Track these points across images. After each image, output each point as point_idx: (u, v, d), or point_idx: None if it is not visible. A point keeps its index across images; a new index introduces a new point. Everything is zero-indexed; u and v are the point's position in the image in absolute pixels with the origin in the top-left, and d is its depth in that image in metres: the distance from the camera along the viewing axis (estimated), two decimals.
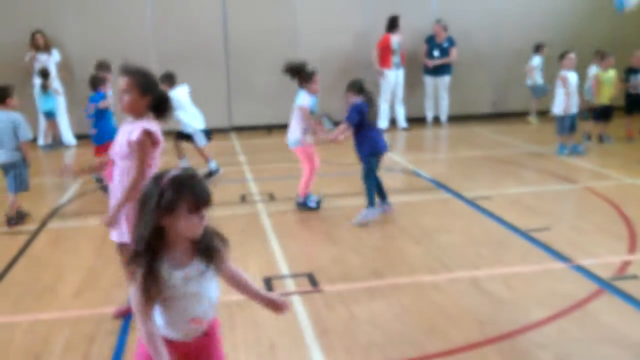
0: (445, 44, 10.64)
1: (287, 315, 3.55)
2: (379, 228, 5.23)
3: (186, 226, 1.88)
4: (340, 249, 4.71)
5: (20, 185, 5.51)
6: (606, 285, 3.87)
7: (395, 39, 10.19)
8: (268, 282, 4.09)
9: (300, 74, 5.69)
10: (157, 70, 10.23)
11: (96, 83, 6.71)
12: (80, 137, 9.99)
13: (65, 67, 10.01)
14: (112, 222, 3.29)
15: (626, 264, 4.22)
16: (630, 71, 8.85)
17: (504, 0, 11.26)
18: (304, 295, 3.88)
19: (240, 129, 10.78)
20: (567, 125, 7.94)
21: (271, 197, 6.33)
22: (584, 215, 5.46)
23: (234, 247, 4.79)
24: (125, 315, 3.55)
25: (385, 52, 10.23)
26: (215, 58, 10.62)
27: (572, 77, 7.90)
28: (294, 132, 5.74)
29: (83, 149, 9.52)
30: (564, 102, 7.87)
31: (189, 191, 1.86)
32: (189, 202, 1.86)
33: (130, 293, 1.92)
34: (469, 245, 4.69)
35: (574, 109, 7.91)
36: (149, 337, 1.88)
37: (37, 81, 9.60)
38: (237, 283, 2.16)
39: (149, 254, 1.85)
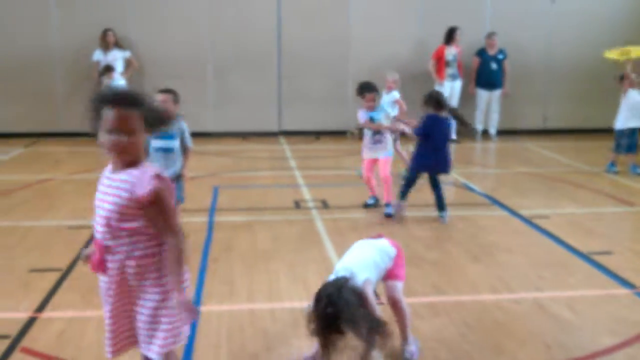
0: (500, 56, 10.57)
1: None
2: (437, 242, 5.23)
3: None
4: None
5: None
6: None
7: (450, 51, 10.16)
8: None
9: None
10: (211, 74, 10.56)
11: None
12: None
13: (130, 66, 10.19)
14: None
15: None
16: None
17: (557, 14, 11.12)
18: None
19: (288, 134, 10.86)
20: (625, 143, 7.91)
21: (324, 205, 6.37)
22: None
23: (292, 254, 4.89)
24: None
25: (439, 63, 10.21)
26: (268, 63, 10.73)
27: (635, 94, 7.92)
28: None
29: None
30: (624, 117, 7.97)
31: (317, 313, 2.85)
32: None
33: None
34: (531, 265, 4.65)
35: (632, 124, 7.95)
36: None
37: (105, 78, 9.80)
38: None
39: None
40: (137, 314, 2.44)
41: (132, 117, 2.30)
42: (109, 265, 2.39)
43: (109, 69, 9.53)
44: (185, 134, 5.01)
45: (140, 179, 2.29)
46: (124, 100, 2.31)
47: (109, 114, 2.29)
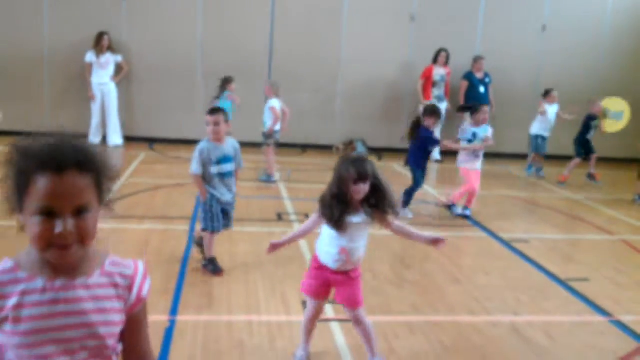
0: (487, 80, 10.69)
1: (328, 344, 3.61)
2: (417, 262, 5.25)
3: (353, 191, 2.97)
4: (379, 281, 4.73)
5: None
6: None
7: (438, 71, 10.26)
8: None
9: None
10: (201, 82, 10.55)
11: None
12: (129, 138, 10.28)
13: (120, 71, 10.18)
14: None
15: None
16: None
17: (546, 42, 11.28)
18: (344, 323, 3.89)
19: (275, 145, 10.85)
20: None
21: (307, 218, 6.35)
22: (621, 269, 5.42)
23: (272, 268, 4.86)
24: None
25: (427, 83, 10.31)
26: (258, 76, 10.76)
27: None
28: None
29: (131, 150, 9.73)
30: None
31: (354, 168, 2.94)
32: (354, 176, 2.93)
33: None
34: (508, 289, 4.68)
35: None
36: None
37: (97, 80, 9.79)
38: (402, 235, 3.22)
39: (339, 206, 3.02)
40: None
41: (85, 187, 1.36)
42: None
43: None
44: (239, 153, 4.72)
45: (133, 272, 1.51)
46: (77, 159, 1.35)
47: (44, 183, 1.32)
